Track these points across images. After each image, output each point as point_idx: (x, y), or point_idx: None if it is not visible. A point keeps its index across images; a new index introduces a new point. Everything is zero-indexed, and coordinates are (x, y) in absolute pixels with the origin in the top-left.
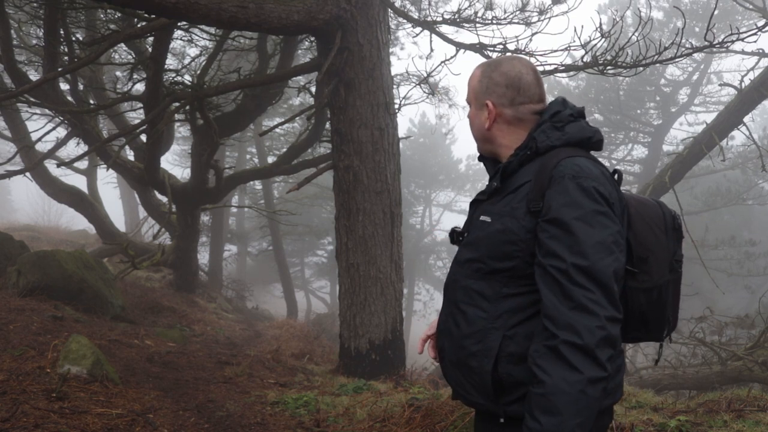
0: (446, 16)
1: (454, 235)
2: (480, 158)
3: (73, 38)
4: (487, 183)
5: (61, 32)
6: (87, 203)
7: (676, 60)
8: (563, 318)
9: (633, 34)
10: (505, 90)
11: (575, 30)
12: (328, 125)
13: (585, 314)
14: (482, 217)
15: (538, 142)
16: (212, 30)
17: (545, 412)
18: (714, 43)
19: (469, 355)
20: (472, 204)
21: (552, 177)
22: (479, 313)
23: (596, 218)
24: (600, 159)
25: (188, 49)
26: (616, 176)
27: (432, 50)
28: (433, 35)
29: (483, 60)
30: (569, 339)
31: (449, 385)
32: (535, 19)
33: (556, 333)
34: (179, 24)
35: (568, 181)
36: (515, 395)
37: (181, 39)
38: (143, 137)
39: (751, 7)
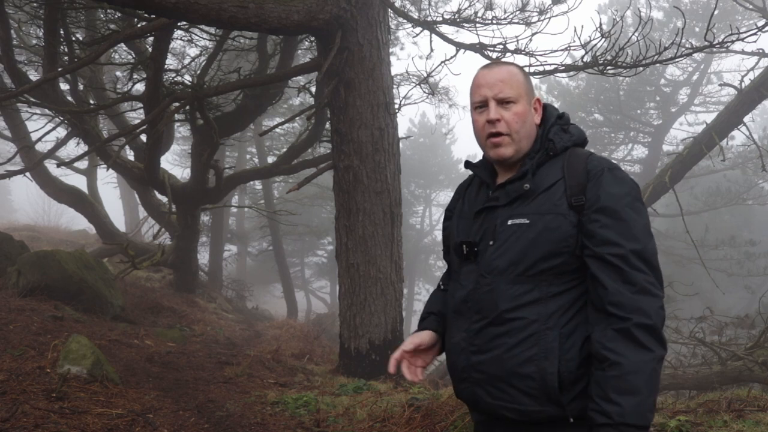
0: (446, 16)
1: (465, 247)
2: (468, 165)
3: (73, 38)
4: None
5: (61, 32)
6: (87, 203)
7: (676, 60)
8: (630, 302)
9: (633, 34)
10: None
11: (575, 30)
12: (328, 125)
13: (648, 296)
14: (513, 221)
15: (556, 143)
16: (212, 30)
17: (624, 393)
18: (714, 43)
19: (523, 362)
20: (482, 211)
21: (589, 171)
22: (529, 316)
23: (637, 205)
24: None
25: (188, 49)
26: None
27: (432, 50)
28: (433, 35)
29: (484, 60)
30: (641, 321)
31: (472, 403)
32: (535, 19)
33: (626, 316)
34: (179, 24)
35: (607, 173)
36: (573, 393)
37: (181, 39)
38: (143, 137)
39: (751, 7)
